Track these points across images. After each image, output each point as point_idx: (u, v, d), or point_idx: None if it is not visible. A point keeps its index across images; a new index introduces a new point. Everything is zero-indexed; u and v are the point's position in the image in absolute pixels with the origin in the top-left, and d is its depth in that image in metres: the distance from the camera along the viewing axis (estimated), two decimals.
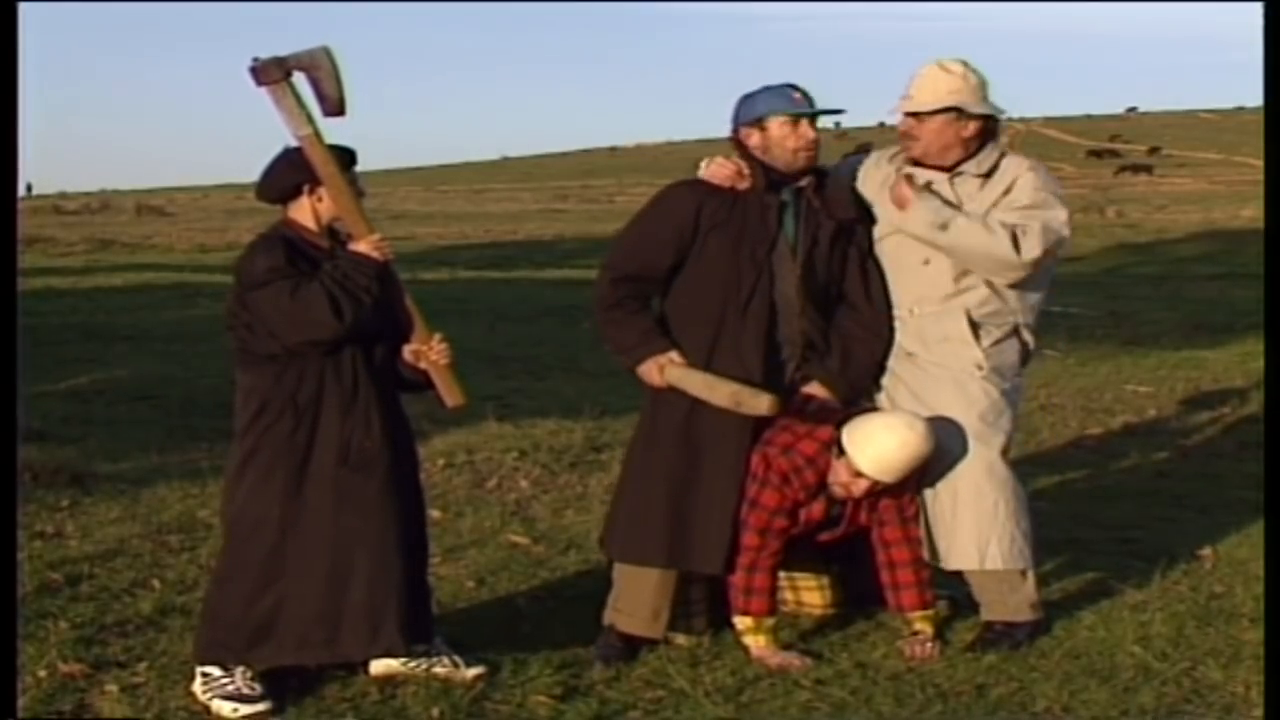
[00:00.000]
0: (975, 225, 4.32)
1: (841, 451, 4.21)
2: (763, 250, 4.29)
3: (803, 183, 4.37)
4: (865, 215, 4.47)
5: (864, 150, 4.77)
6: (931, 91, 4.40)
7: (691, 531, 4.29)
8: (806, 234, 4.35)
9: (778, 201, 4.33)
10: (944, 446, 4.29)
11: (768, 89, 4.37)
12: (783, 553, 4.35)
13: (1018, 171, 4.43)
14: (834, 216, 4.39)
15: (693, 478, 4.29)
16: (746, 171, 4.32)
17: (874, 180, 4.53)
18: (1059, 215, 4.39)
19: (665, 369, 4.29)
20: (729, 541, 4.28)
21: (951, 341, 4.40)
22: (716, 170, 4.37)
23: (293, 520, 3.97)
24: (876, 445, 4.17)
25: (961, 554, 4.39)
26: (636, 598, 4.36)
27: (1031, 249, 4.31)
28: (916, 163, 4.47)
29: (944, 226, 4.31)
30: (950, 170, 4.43)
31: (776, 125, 4.30)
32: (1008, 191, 4.40)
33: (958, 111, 4.38)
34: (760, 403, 4.19)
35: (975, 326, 4.41)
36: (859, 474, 4.20)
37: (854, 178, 4.56)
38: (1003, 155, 4.47)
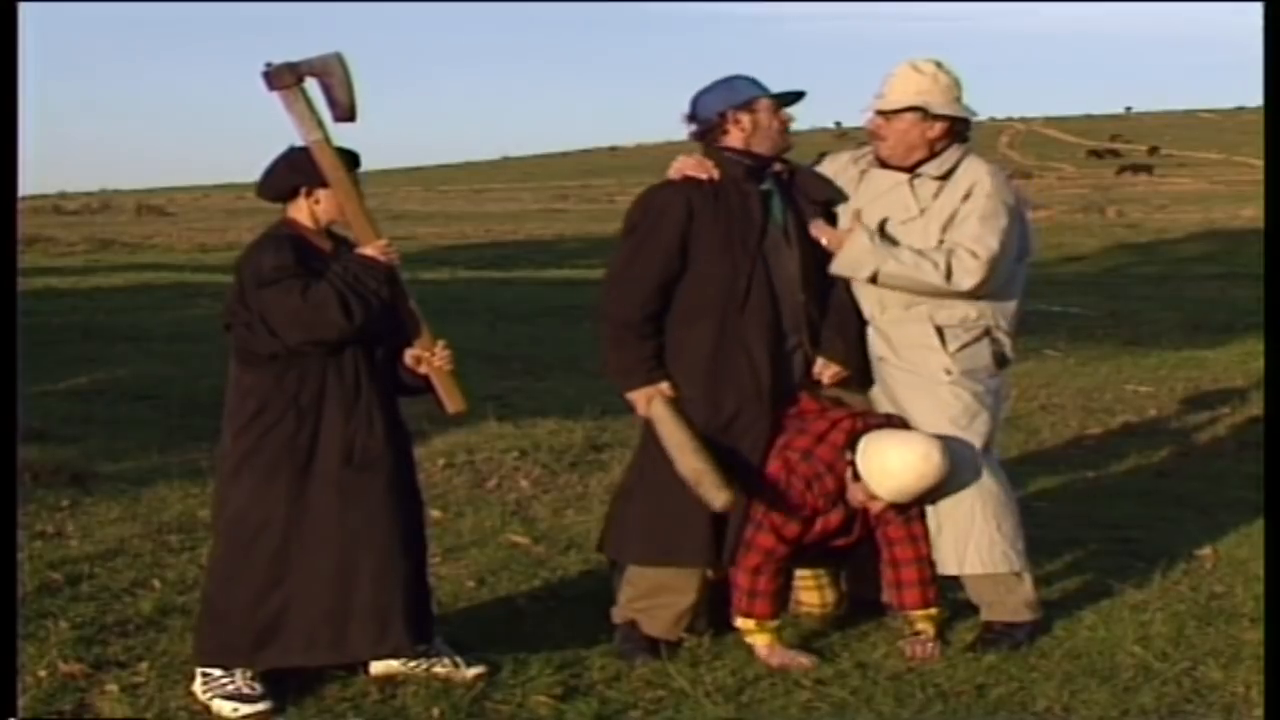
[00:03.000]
0: (905, 267, 4.28)
1: (857, 476, 4.21)
2: (753, 239, 4.28)
3: (778, 168, 4.39)
4: (836, 199, 4.49)
5: (822, 156, 4.76)
6: (901, 90, 4.40)
7: (701, 532, 4.27)
8: (795, 218, 4.37)
9: (759, 190, 4.33)
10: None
11: (727, 80, 4.38)
12: (792, 558, 4.35)
13: (976, 176, 4.39)
14: (813, 200, 4.42)
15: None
16: (710, 163, 4.32)
17: (841, 182, 4.51)
18: (999, 225, 4.32)
19: (653, 401, 4.26)
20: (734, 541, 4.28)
21: (918, 348, 4.38)
22: (680, 166, 4.37)
23: (297, 521, 3.96)
24: (893, 478, 4.16)
25: (942, 559, 4.39)
26: (663, 598, 4.35)
27: (965, 277, 4.28)
28: (882, 164, 4.47)
29: (873, 274, 4.30)
30: (910, 171, 4.42)
31: (764, 107, 4.33)
32: (966, 197, 4.35)
33: (923, 112, 4.37)
34: (718, 496, 4.14)
35: (941, 331, 4.39)
36: (875, 498, 4.22)
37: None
38: (964, 156, 4.43)
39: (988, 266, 4.30)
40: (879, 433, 4.25)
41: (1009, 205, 4.40)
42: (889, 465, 4.17)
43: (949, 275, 4.28)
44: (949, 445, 4.24)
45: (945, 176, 4.39)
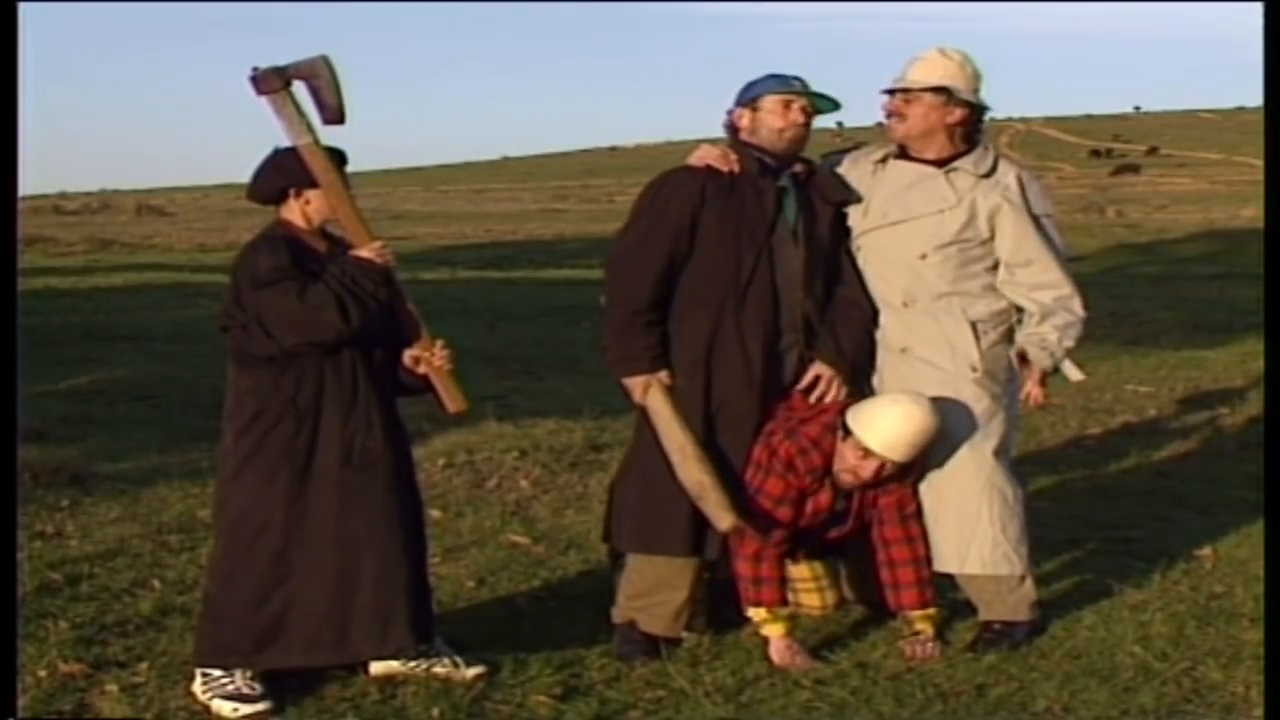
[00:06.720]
0: (1069, 339, 4.42)
1: (848, 433, 4.21)
2: (761, 233, 4.29)
3: (797, 169, 4.39)
4: (850, 201, 4.49)
5: (842, 153, 4.77)
6: (926, 71, 4.42)
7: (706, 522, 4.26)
8: (806, 218, 4.37)
9: (774, 186, 4.34)
10: (938, 442, 4.28)
11: (771, 75, 4.40)
12: (790, 545, 4.34)
13: (1021, 181, 4.46)
14: (828, 201, 4.44)
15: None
16: (733, 156, 4.33)
17: (853, 177, 4.53)
18: (1060, 242, 4.54)
19: (651, 391, 4.26)
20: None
21: (949, 341, 4.39)
22: (703, 154, 4.38)
23: (297, 523, 3.96)
24: (883, 420, 4.17)
25: (942, 556, 4.39)
26: (660, 595, 4.35)
27: (1079, 306, 4.47)
28: (901, 151, 4.48)
29: (1062, 357, 4.44)
30: (942, 166, 4.43)
31: (768, 105, 4.34)
32: (1011, 201, 4.41)
33: (947, 95, 4.39)
34: (722, 518, 4.14)
35: (974, 327, 4.40)
36: (867, 453, 4.18)
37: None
38: (997, 158, 4.50)
39: (1077, 285, 4.48)
40: (869, 398, 4.32)
41: (1053, 215, 4.55)
42: (879, 410, 4.19)
43: (1075, 311, 4.45)
44: (960, 435, 4.28)
45: (985, 175, 4.43)
